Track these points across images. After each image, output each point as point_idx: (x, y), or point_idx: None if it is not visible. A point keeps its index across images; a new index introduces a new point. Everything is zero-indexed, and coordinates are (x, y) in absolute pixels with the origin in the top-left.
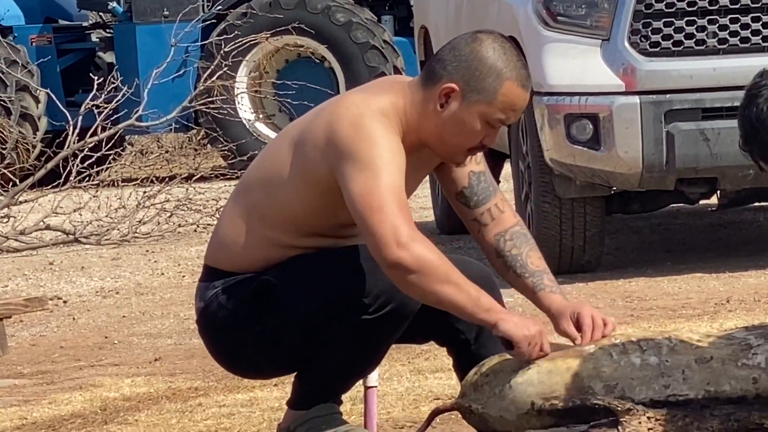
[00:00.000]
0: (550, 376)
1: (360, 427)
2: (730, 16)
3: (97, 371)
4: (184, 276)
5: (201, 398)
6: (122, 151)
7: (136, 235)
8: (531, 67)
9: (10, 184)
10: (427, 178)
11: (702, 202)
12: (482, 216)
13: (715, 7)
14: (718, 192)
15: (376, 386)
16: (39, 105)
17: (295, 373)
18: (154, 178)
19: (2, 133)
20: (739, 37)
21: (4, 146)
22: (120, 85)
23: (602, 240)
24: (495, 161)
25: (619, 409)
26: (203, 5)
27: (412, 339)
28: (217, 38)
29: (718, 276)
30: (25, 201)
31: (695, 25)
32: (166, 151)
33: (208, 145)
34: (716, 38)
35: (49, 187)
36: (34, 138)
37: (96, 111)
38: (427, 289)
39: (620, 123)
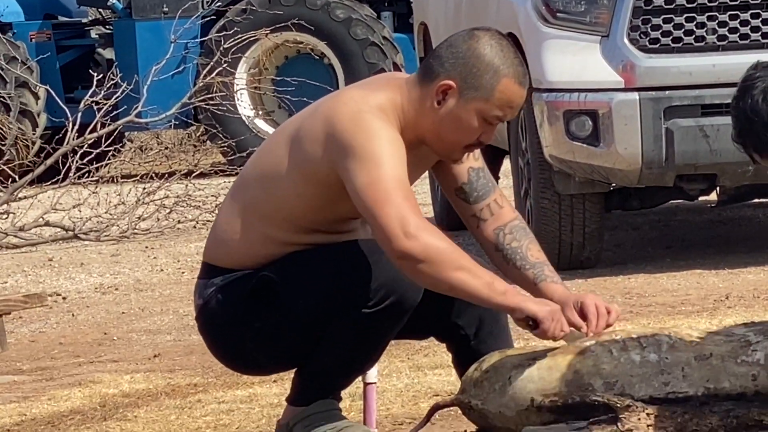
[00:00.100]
0: (549, 372)
1: (359, 423)
2: (729, 13)
3: (96, 367)
4: (183, 272)
5: (200, 394)
6: (122, 147)
7: (136, 231)
8: (530, 63)
9: (10, 180)
10: (427, 173)
11: (701, 198)
12: (481, 211)
13: (715, 4)
14: (718, 188)
15: (375, 382)
16: (38, 101)
17: (295, 370)
18: (153, 175)
19: (2, 129)
20: (738, 34)
21: (3, 142)
22: (119, 81)
23: (601, 236)
24: (494, 158)
25: (618, 405)
26: (203, 2)
27: (412, 335)
28: (217, 35)
29: (717, 272)
30: (25, 197)
31: (694, 22)
32: (166, 148)
33: (208, 142)
34: (716, 35)
35: (48, 183)
36: (34, 134)
37: (95, 107)
38: (438, 277)
39: (619, 119)
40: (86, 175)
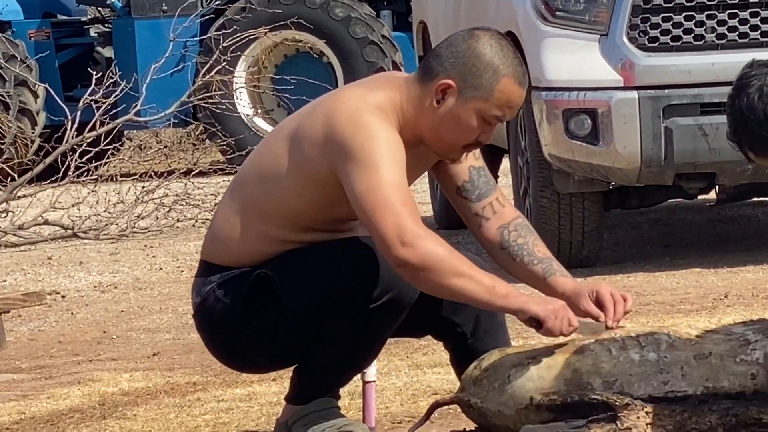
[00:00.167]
0: (549, 371)
1: (358, 421)
2: (728, 12)
3: (95, 366)
4: (182, 271)
5: (199, 393)
6: (121, 146)
7: (135, 230)
8: (529, 62)
9: (9, 179)
10: (426, 173)
11: (700, 197)
12: (484, 210)
13: (714, 2)
14: (717, 187)
15: (374, 381)
16: (37, 100)
17: (293, 368)
18: (152, 173)
19: (1, 128)
20: (737, 33)
21: (2, 141)
22: (118, 80)
23: (601, 235)
24: (493, 157)
25: (617, 404)
26: (202, 0)
27: (409, 333)
28: (216, 33)
29: (716, 271)
30: (24, 196)
31: (694, 21)
32: (165, 146)
33: (207, 140)
34: (715, 33)
35: (47, 181)
36: (33, 133)
37: (94, 106)
38: (439, 284)
39: (619, 118)
40: (85, 173)
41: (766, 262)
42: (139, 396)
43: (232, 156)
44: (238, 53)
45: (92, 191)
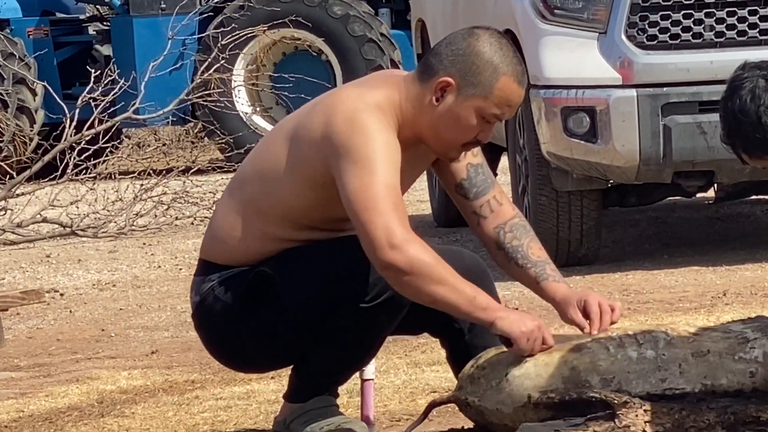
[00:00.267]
0: (547, 369)
1: (357, 419)
2: (727, 9)
3: (94, 364)
4: (180, 269)
5: (198, 391)
6: (119, 143)
7: (133, 227)
8: (528, 60)
9: (7, 176)
10: (426, 171)
11: (699, 195)
12: (481, 208)
13: (712, 0)
14: (715, 185)
15: (372, 379)
16: (36, 98)
17: (292, 366)
18: (151, 171)
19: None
20: (736, 31)
21: (1, 139)
22: (117, 77)
23: (599, 233)
24: (492, 154)
25: (615, 402)
26: None
27: (406, 330)
28: (215, 31)
29: (714, 269)
30: (22, 194)
31: (692, 18)
32: (163, 144)
33: (205, 138)
34: (713, 31)
35: (46, 179)
36: (31, 131)
37: (93, 104)
38: (421, 290)
39: (617, 116)
40: (84, 171)
41: (764, 260)
42: (138, 394)
43: (230, 154)
44: (237, 51)
45: (91, 189)
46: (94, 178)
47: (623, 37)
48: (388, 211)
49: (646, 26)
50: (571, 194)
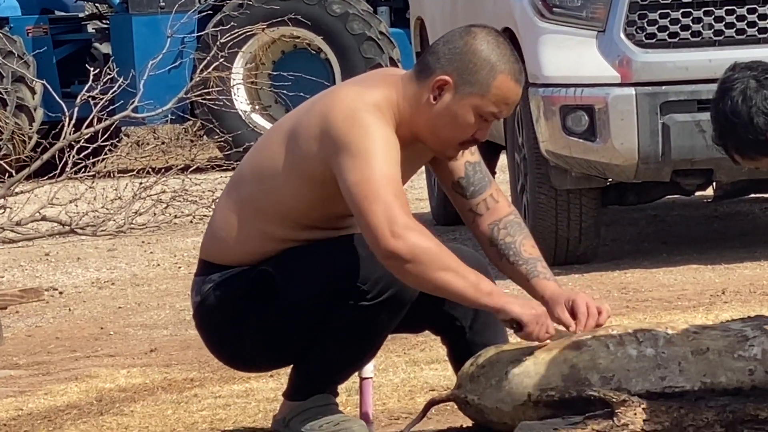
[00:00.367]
0: (546, 367)
1: (356, 418)
2: (725, 8)
3: (92, 362)
4: (179, 267)
5: (197, 389)
6: (118, 142)
7: (132, 226)
8: (527, 58)
9: (6, 175)
10: (423, 169)
11: (698, 193)
12: (478, 206)
13: None
14: (714, 183)
15: (371, 377)
16: (35, 96)
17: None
18: (150, 170)
19: None
20: (734, 29)
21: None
22: (116, 76)
23: (598, 231)
24: (491, 153)
25: (614, 400)
26: None
27: (407, 328)
28: (214, 29)
29: (713, 267)
30: (21, 192)
31: (691, 17)
32: (162, 143)
33: (205, 137)
34: (712, 30)
35: (45, 178)
36: (30, 129)
37: (92, 102)
38: (424, 278)
39: (616, 114)
40: (83, 169)
41: (763, 259)
42: (137, 392)
43: (229, 152)
44: (236, 49)
45: (90, 187)
46: (93, 176)
47: (622, 35)
48: (388, 200)
49: (645, 25)
50: (570, 192)
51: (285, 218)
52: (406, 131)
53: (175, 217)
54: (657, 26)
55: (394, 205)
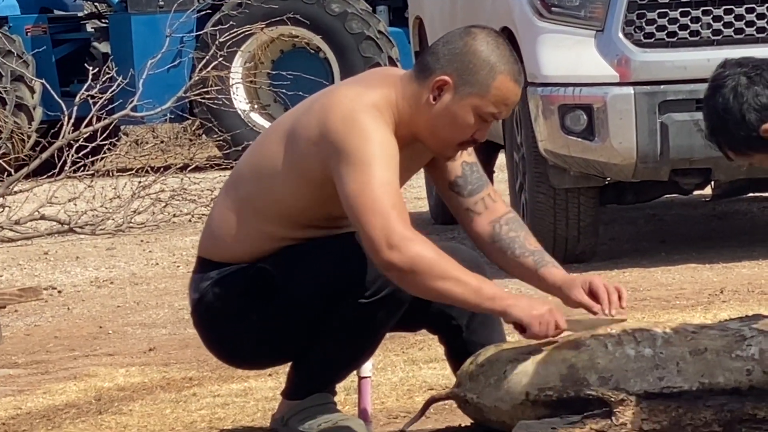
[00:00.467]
0: (545, 366)
1: (354, 417)
2: (724, 7)
3: (91, 361)
4: (178, 266)
5: (195, 388)
6: (117, 141)
7: (131, 225)
8: (525, 57)
9: (5, 174)
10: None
11: (696, 192)
12: (476, 205)
13: None
14: (712, 183)
15: (370, 376)
16: (34, 95)
17: (290, 363)
18: (149, 168)
19: None
20: (733, 28)
21: None
22: (115, 75)
23: (596, 230)
24: (489, 152)
25: (612, 399)
26: None
27: (405, 327)
28: (212, 29)
29: (711, 267)
30: (20, 191)
31: (689, 16)
32: (161, 141)
33: (203, 136)
34: (710, 29)
35: (44, 177)
36: (29, 128)
37: (91, 101)
38: (426, 287)
39: (614, 114)
40: (82, 168)
41: (761, 258)
42: (135, 391)
43: (228, 151)
44: (235, 49)
45: (89, 186)
46: (92, 175)
47: (620, 34)
48: (386, 211)
49: (644, 24)
50: (569, 192)
51: (283, 217)
52: (405, 131)
53: (174, 216)
54: (655, 26)
55: (392, 215)
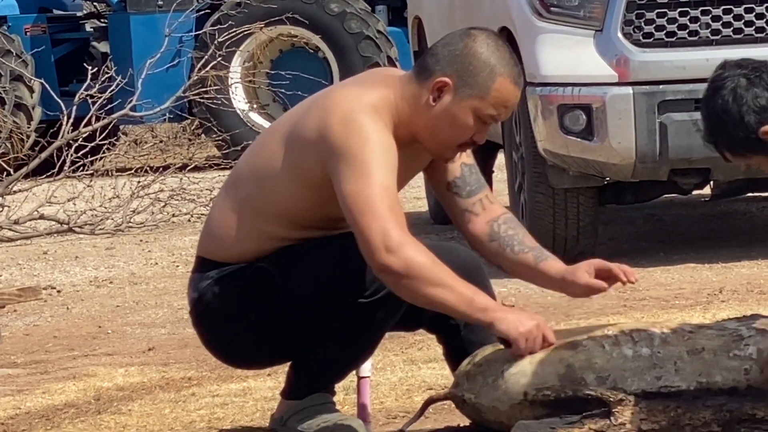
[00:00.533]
0: (543, 366)
1: (353, 416)
2: (723, 7)
3: (90, 361)
4: (177, 266)
5: (194, 388)
6: (116, 140)
7: (130, 224)
8: (524, 57)
9: (5, 173)
10: None
11: (695, 192)
12: (474, 206)
13: None
14: (711, 182)
15: (369, 376)
16: (33, 95)
17: (289, 363)
18: (148, 168)
19: None
20: (732, 28)
21: None
22: (114, 75)
23: (595, 230)
24: (488, 152)
25: (611, 399)
26: None
27: (403, 326)
28: (211, 28)
29: (710, 266)
30: (19, 190)
31: (688, 16)
32: (161, 141)
33: (202, 135)
34: (709, 29)
35: (43, 176)
36: (29, 128)
37: (90, 101)
38: (418, 293)
39: (613, 114)
40: (81, 168)
41: (760, 258)
42: (135, 391)
43: (227, 151)
44: (234, 48)
45: (88, 186)
46: (91, 175)
47: (619, 34)
48: (383, 215)
49: (642, 24)
50: (568, 191)
51: (283, 218)
52: (405, 132)
53: (173, 215)
54: (654, 25)
55: (389, 219)
